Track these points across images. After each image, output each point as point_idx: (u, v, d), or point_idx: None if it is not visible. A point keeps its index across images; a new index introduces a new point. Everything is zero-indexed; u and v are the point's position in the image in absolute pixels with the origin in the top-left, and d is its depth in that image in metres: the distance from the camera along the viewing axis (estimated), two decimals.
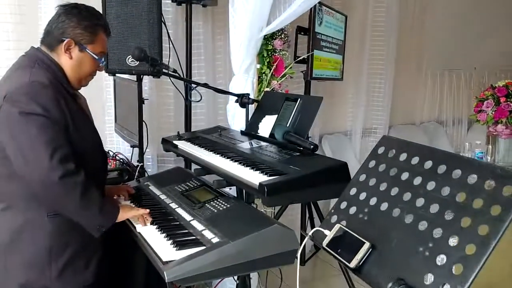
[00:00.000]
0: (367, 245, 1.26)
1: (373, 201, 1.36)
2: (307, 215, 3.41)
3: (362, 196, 1.41)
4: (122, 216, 1.78)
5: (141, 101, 2.54)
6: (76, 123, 1.68)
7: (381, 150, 1.46)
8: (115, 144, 3.08)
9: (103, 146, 1.91)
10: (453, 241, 1.09)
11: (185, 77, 2.88)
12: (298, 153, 1.94)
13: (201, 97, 2.18)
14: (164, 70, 2.05)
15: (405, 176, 1.32)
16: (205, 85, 2.24)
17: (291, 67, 2.83)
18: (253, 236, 1.62)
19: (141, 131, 2.62)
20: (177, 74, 2.12)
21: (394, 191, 1.32)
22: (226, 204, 1.94)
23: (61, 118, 1.63)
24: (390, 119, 4.66)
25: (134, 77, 2.62)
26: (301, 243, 1.64)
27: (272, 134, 2.21)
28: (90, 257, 1.79)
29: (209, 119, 3.37)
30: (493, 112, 2.92)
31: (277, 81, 2.75)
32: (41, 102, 1.59)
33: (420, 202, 1.23)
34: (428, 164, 1.28)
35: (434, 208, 1.19)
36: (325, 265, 3.58)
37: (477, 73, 5.57)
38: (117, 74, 2.60)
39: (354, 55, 4.29)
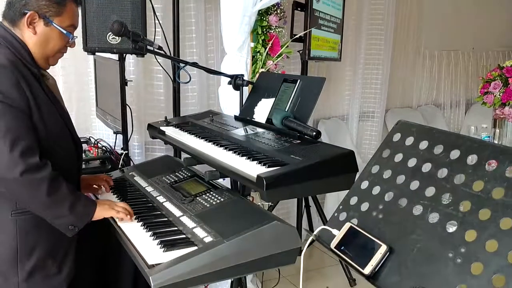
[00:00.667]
0: (383, 248, 1.09)
1: (389, 196, 1.18)
2: (304, 209, 3.26)
3: (376, 190, 1.23)
4: (99, 214, 1.59)
5: (123, 82, 2.32)
6: (41, 109, 1.48)
7: (396, 137, 1.28)
8: (97, 130, 2.87)
9: (76, 133, 1.71)
10: (491, 246, 0.92)
11: (172, 55, 2.66)
12: (298, 141, 1.75)
13: (190, 78, 1.98)
14: (148, 47, 1.84)
15: (427, 167, 1.14)
16: (194, 64, 2.03)
17: (287, 46, 2.62)
18: (251, 235, 1.45)
19: (125, 116, 2.41)
20: (162, 52, 1.91)
21: (414, 185, 1.14)
22: (219, 197, 1.76)
23: (22, 103, 1.43)
24: (387, 102, 4.49)
25: (116, 56, 2.40)
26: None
27: (269, 120, 2.01)
28: (63, 259, 1.60)
29: (200, 103, 3.15)
30: (500, 94, 2.75)
31: (273, 61, 2.55)
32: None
33: (446, 198, 1.06)
34: (455, 153, 1.10)
35: (465, 206, 1.01)
36: (321, 255, 3.44)
37: (475, 54, 5.42)
38: (97, 53, 2.37)
39: (351, 36, 4.09)
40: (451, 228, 1.01)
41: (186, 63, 1.99)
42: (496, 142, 2.73)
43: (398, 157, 1.23)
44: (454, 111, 5.34)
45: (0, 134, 1.37)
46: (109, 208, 1.62)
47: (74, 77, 2.79)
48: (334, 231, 1.24)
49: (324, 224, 1.29)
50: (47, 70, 1.65)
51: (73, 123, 1.68)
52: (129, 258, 1.59)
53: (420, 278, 1.00)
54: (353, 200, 1.27)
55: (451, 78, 5.22)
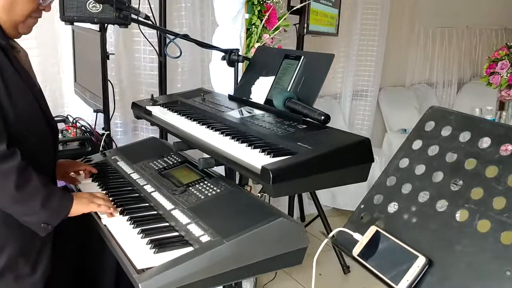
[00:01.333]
0: (422, 260, 0.92)
1: (423, 197, 1.01)
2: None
3: (406, 188, 1.05)
4: (76, 210, 1.39)
5: (105, 56, 2.08)
6: (9, 88, 1.25)
7: (429, 126, 1.09)
8: (75, 107, 2.62)
9: (52, 115, 1.48)
10: None
11: (159, 26, 2.41)
12: (304, 126, 1.56)
13: (181, 52, 1.75)
14: (133, 16, 1.60)
15: (471, 164, 0.97)
16: (185, 37, 1.80)
17: (285, 18, 2.40)
18: (254, 234, 1.27)
19: (106, 93, 2.17)
20: (150, 22, 1.68)
21: (457, 185, 0.97)
22: (215, 188, 1.57)
23: None
24: (380, 81, 4.33)
25: (96, 27, 2.14)
26: None
27: (268, 100, 1.81)
28: (38, 257, 1.41)
29: (191, 79, 2.92)
30: (508, 75, 2.59)
31: (270, 35, 2.33)
32: None
33: (499, 202, 0.89)
34: (508, 149, 0.93)
35: None
36: (312, 240, 3.30)
37: (469, 32, 5.29)
38: (75, 23, 2.12)
39: (347, 11, 3.87)
40: (508, 240, 0.84)
41: (176, 35, 1.76)
42: None
43: (433, 150, 1.05)
44: (446, 91, 5.23)
45: None
46: (88, 202, 1.42)
47: (50, 50, 2.52)
48: (356, 235, 1.06)
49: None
50: (18, 41, 1.41)
51: (47, 103, 1.45)
52: (110, 250, 1.40)
53: None
54: (378, 199, 1.09)
55: (445, 57, 5.09)
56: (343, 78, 4.10)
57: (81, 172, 1.78)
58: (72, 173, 1.75)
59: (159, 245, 1.28)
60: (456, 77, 5.26)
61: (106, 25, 2.10)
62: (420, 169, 1.05)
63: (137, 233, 1.36)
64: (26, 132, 1.30)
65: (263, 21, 2.31)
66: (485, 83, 2.81)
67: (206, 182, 1.62)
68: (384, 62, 4.27)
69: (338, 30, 3.26)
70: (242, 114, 1.79)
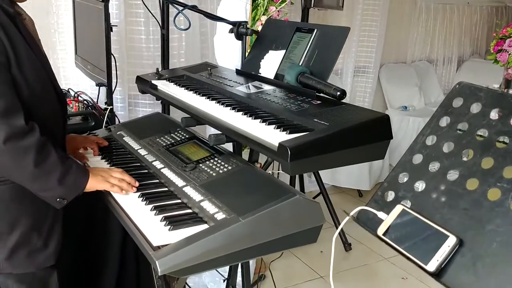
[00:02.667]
0: (452, 239, 0.90)
1: (453, 175, 0.98)
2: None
3: (434, 167, 1.02)
4: (91, 186, 1.35)
5: (108, 28, 2.01)
6: (20, 58, 1.20)
7: (457, 103, 1.06)
8: (76, 81, 2.55)
9: (60, 87, 1.43)
10: None
11: None
12: (318, 101, 1.52)
13: (190, 24, 1.69)
14: None
15: (503, 142, 0.94)
16: (194, 8, 1.74)
17: None
18: (270, 212, 1.24)
19: (110, 67, 2.11)
20: None
21: (488, 163, 0.94)
22: (226, 165, 1.53)
23: None
24: (381, 57, 4.28)
25: None
26: None
27: (278, 75, 1.77)
28: (49, 232, 1.38)
29: (190, 54, 2.84)
30: None
31: (276, 7, 2.26)
32: None
33: None
34: None
35: None
36: None
37: (469, 8, 5.23)
38: None
39: None
40: None
41: (184, 6, 1.69)
42: None
43: (462, 127, 1.02)
44: (446, 68, 5.21)
45: None
46: (103, 180, 1.38)
47: (50, 21, 2.43)
48: (380, 214, 1.04)
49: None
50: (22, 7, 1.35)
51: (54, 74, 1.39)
52: (116, 222, 1.38)
53: (502, 280, 0.82)
54: (403, 178, 1.07)
55: (445, 34, 5.04)
56: (345, 54, 4.04)
57: (89, 148, 1.74)
58: (82, 149, 1.71)
59: (174, 222, 1.25)
60: (456, 55, 5.22)
61: None
62: (448, 147, 1.02)
63: (150, 210, 1.33)
64: (38, 105, 1.26)
65: None
66: (489, 61, 2.78)
67: (216, 159, 1.58)
68: (386, 38, 4.22)
69: (343, 3, 3.19)
70: (251, 89, 1.74)
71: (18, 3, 1.30)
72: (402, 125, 4.27)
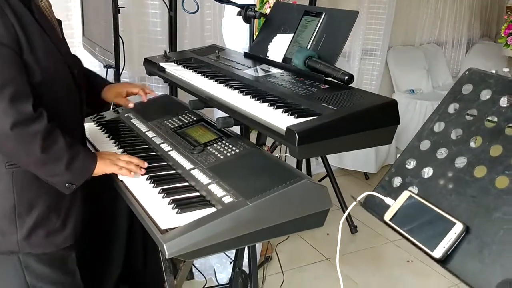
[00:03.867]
0: (459, 226, 0.90)
1: (460, 162, 0.98)
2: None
3: (442, 153, 1.02)
4: (99, 170, 1.37)
5: (116, 9, 2.00)
6: (33, 44, 1.20)
7: (467, 89, 1.06)
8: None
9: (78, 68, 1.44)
10: None
11: None
12: (326, 86, 1.52)
13: (198, 7, 1.68)
14: None
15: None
16: None
17: None
18: (277, 196, 1.25)
19: (118, 48, 2.10)
20: None
21: (496, 150, 0.94)
22: (234, 148, 1.54)
23: (10, 38, 1.15)
24: (389, 40, 4.22)
25: None
26: None
27: (286, 59, 1.76)
28: (68, 213, 1.40)
29: (192, 36, 2.82)
30: None
31: None
32: None
33: None
34: None
35: None
36: None
37: None
38: None
39: None
40: None
41: None
42: None
43: (471, 114, 1.02)
44: (455, 51, 5.13)
45: None
46: (111, 163, 1.39)
47: (57, 1, 2.41)
48: (387, 200, 1.05)
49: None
50: None
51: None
52: (124, 204, 1.39)
53: (510, 267, 0.83)
54: (411, 164, 1.07)
55: (455, 16, 4.95)
56: (352, 37, 3.99)
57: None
58: (127, 94, 1.75)
59: (182, 205, 1.26)
60: (465, 37, 5.14)
61: None
62: (456, 133, 1.02)
63: (158, 193, 1.35)
64: (52, 88, 1.26)
65: None
66: (500, 44, 2.74)
67: (224, 142, 1.59)
68: (394, 20, 4.16)
69: None
70: (259, 73, 1.73)
71: None
72: (409, 109, 4.25)
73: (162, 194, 1.34)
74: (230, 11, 2.20)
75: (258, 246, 2.39)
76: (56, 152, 1.24)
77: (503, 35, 2.65)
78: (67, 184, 1.29)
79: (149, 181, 1.42)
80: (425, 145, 1.06)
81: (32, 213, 1.31)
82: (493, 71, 2.60)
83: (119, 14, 2.06)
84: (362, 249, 2.99)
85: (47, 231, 1.34)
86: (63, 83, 1.32)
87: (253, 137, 2.11)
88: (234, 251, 2.03)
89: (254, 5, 1.95)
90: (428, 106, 4.15)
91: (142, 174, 1.44)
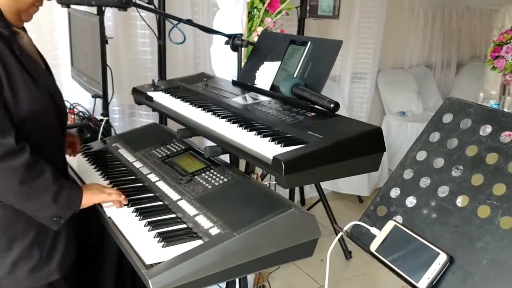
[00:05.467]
0: (443, 257, 0.90)
1: (443, 191, 0.98)
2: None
3: (424, 182, 1.03)
4: (87, 201, 1.36)
5: (104, 40, 2.01)
6: (12, 79, 1.20)
7: (448, 118, 1.07)
8: (72, 93, 2.55)
9: (63, 100, 1.44)
10: None
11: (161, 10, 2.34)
12: (313, 113, 1.52)
13: (185, 37, 1.70)
14: (138, 1, 1.54)
15: (492, 159, 0.94)
16: (189, 22, 1.74)
17: (287, 2, 2.34)
18: (265, 226, 1.25)
19: (106, 78, 2.11)
20: (152, 6, 1.62)
21: (477, 179, 0.94)
22: (221, 177, 1.53)
23: None
24: (379, 63, 4.28)
25: (93, 9, 2.07)
26: None
27: (273, 87, 1.77)
28: (52, 247, 1.37)
29: (184, 64, 2.85)
30: None
31: (272, 19, 2.27)
32: None
33: None
34: None
35: None
36: None
37: (469, 12, 5.22)
38: (72, 6, 2.04)
39: None
40: None
41: (180, 20, 1.70)
42: (505, 110, 2.57)
43: (452, 143, 1.02)
44: (445, 73, 5.20)
45: None
46: (99, 192, 1.38)
47: (46, 33, 2.44)
48: (373, 230, 1.04)
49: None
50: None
51: (58, 88, 1.40)
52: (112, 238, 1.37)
53: None
54: (395, 193, 1.07)
55: (444, 38, 5.03)
56: (342, 60, 4.04)
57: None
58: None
59: (168, 238, 1.25)
60: (455, 59, 5.22)
61: (103, 8, 2.03)
62: (438, 162, 1.03)
63: (144, 226, 1.34)
64: (34, 125, 1.26)
65: (266, 5, 2.25)
66: (487, 66, 2.78)
67: (212, 171, 1.59)
68: (383, 44, 4.21)
69: (339, 12, 3.20)
70: (247, 101, 1.74)
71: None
72: (400, 130, 4.28)
73: (148, 227, 1.32)
74: (219, 39, 2.23)
75: (250, 276, 2.36)
76: (41, 184, 1.22)
77: (490, 58, 2.69)
78: (55, 218, 1.27)
79: (135, 213, 1.40)
80: (408, 174, 1.07)
81: (13, 250, 1.29)
82: (481, 94, 2.62)
83: (107, 44, 2.08)
84: (357, 275, 2.96)
85: (30, 267, 1.32)
86: (44, 118, 1.31)
87: (243, 163, 2.11)
88: (225, 283, 2.00)
89: (241, 34, 1.97)
90: (419, 127, 4.17)
91: (127, 206, 1.43)
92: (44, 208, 1.25)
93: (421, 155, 1.06)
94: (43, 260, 1.35)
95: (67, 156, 1.55)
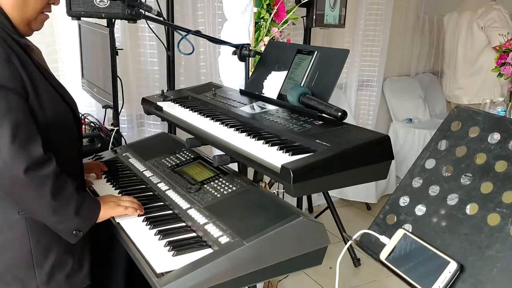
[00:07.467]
0: (453, 265, 0.90)
1: (452, 199, 0.99)
2: None
3: (434, 190, 1.03)
4: (104, 214, 1.36)
5: (114, 51, 2.05)
6: (37, 88, 1.22)
7: (456, 126, 1.07)
8: (83, 104, 2.58)
9: (78, 109, 1.45)
10: None
11: (166, 20, 2.37)
12: (320, 122, 1.53)
13: (193, 48, 1.72)
14: (148, 14, 1.57)
15: (501, 167, 0.95)
16: (198, 33, 1.77)
17: (294, 12, 2.36)
18: (274, 234, 1.25)
19: (116, 89, 2.14)
20: (161, 18, 1.64)
21: (487, 188, 0.95)
22: (230, 185, 1.55)
23: (16, 83, 1.17)
24: (385, 70, 4.29)
25: (103, 22, 2.11)
26: None
27: (281, 95, 1.79)
28: (82, 254, 1.40)
29: (188, 74, 2.88)
30: None
31: (278, 28, 2.29)
32: None
33: None
34: None
35: None
36: None
37: None
38: (82, 18, 2.08)
39: (351, 2, 3.81)
40: None
41: (188, 31, 1.73)
42: None
43: (461, 151, 1.03)
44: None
45: None
46: (115, 205, 1.40)
47: (57, 45, 2.48)
48: (383, 238, 1.05)
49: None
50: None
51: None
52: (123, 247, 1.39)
53: None
54: (404, 201, 1.08)
55: None
56: (348, 68, 4.06)
57: (92, 173, 1.76)
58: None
59: (178, 247, 1.26)
60: None
61: (113, 20, 2.06)
62: (447, 170, 1.03)
63: (154, 235, 1.35)
64: (56, 132, 1.27)
65: (272, 15, 2.27)
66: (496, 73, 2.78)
67: (221, 179, 1.60)
68: (389, 52, 4.23)
69: (345, 21, 3.22)
70: (255, 110, 1.76)
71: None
72: (408, 138, 4.27)
73: (159, 235, 1.34)
74: (226, 49, 2.25)
75: (259, 284, 2.36)
76: (66, 197, 1.23)
77: (495, 65, 2.69)
78: (74, 231, 1.27)
79: (145, 222, 1.42)
80: (417, 182, 1.07)
81: (49, 257, 1.31)
82: (487, 100, 2.62)
83: (116, 56, 2.11)
84: (366, 283, 2.95)
85: (66, 274, 1.34)
86: (64, 124, 1.33)
87: (251, 172, 2.12)
88: None
89: (248, 44, 1.99)
90: (426, 134, 4.17)
91: (140, 215, 1.45)
92: (66, 220, 1.25)
93: (430, 163, 1.07)
94: (76, 267, 1.37)
95: None
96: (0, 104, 1.13)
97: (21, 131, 1.15)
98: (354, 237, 1.12)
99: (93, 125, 2.27)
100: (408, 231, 1.01)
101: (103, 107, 2.27)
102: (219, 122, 1.65)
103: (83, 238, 1.35)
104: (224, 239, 1.27)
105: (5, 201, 1.24)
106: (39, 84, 1.24)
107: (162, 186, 1.64)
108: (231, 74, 2.30)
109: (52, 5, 1.35)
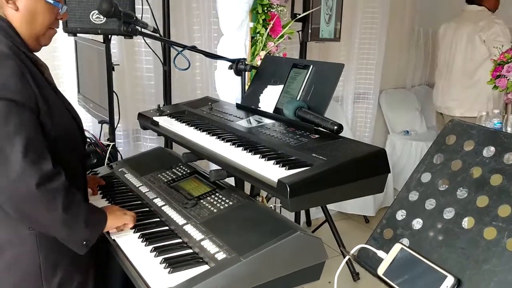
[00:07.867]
0: (450, 280, 0.90)
1: (449, 213, 0.99)
2: None
3: (430, 204, 1.03)
4: (111, 224, 1.38)
5: (110, 67, 2.05)
6: (48, 103, 1.23)
7: (451, 140, 1.07)
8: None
9: (82, 124, 1.47)
10: None
11: (162, 36, 2.38)
12: (317, 135, 1.54)
13: (189, 63, 1.73)
14: (143, 30, 1.58)
15: (497, 180, 0.95)
16: (193, 49, 1.78)
17: (289, 26, 2.38)
18: (271, 250, 1.25)
19: (112, 104, 2.14)
20: (157, 35, 1.65)
21: (482, 201, 0.95)
22: (227, 200, 1.54)
23: (30, 99, 1.18)
24: (381, 83, 4.31)
25: (100, 38, 2.12)
26: None
27: (277, 109, 1.79)
28: (87, 269, 1.41)
29: (183, 88, 2.88)
30: None
31: (274, 43, 2.31)
32: (1, 80, 1.15)
33: None
34: None
35: None
36: None
37: None
38: (78, 34, 2.09)
39: (346, 16, 3.83)
40: None
41: (184, 47, 1.73)
42: (509, 129, 2.58)
43: (456, 165, 1.03)
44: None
45: (8, 137, 1.13)
46: (121, 214, 1.42)
47: (56, 61, 2.49)
48: (380, 253, 1.04)
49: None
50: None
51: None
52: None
53: None
54: (401, 215, 1.07)
55: None
56: (344, 81, 4.08)
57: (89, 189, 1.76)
58: None
59: (174, 264, 1.25)
60: None
61: (110, 36, 2.07)
62: (443, 184, 1.03)
63: (150, 251, 1.34)
64: (63, 147, 1.28)
65: (268, 30, 2.29)
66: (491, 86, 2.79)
67: (217, 194, 1.60)
68: (384, 64, 4.25)
69: (340, 35, 3.24)
70: (252, 124, 1.76)
71: None
72: (405, 150, 4.28)
73: (155, 252, 1.33)
74: (223, 63, 2.26)
75: None
76: (76, 209, 1.23)
77: (491, 77, 2.71)
78: (84, 242, 1.27)
79: (141, 239, 1.41)
80: (413, 196, 1.07)
81: (57, 273, 1.31)
82: (483, 113, 2.63)
83: (113, 71, 2.12)
84: None
85: None
86: (72, 139, 1.34)
87: (248, 186, 2.12)
88: None
89: (245, 59, 2.00)
90: (423, 146, 4.18)
91: (134, 232, 1.44)
92: (76, 232, 1.25)
93: (426, 177, 1.07)
94: (83, 282, 1.38)
95: None
96: (13, 120, 1.14)
97: (33, 147, 1.16)
98: (352, 251, 1.12)
99: (89, 140, 2.26)
100: (405, 245, 1.01)
101: (99, 122, 2.26)
102: (215, 137, 1.65)
103: (88, 255, 1.35)
104: (220, 255, 1.26)
105: (16, 219, 1.24)
106: (50, 100, 1.26)
107: (158, 202, 1.63)
108: (228, 88, 2.31)
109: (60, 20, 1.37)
